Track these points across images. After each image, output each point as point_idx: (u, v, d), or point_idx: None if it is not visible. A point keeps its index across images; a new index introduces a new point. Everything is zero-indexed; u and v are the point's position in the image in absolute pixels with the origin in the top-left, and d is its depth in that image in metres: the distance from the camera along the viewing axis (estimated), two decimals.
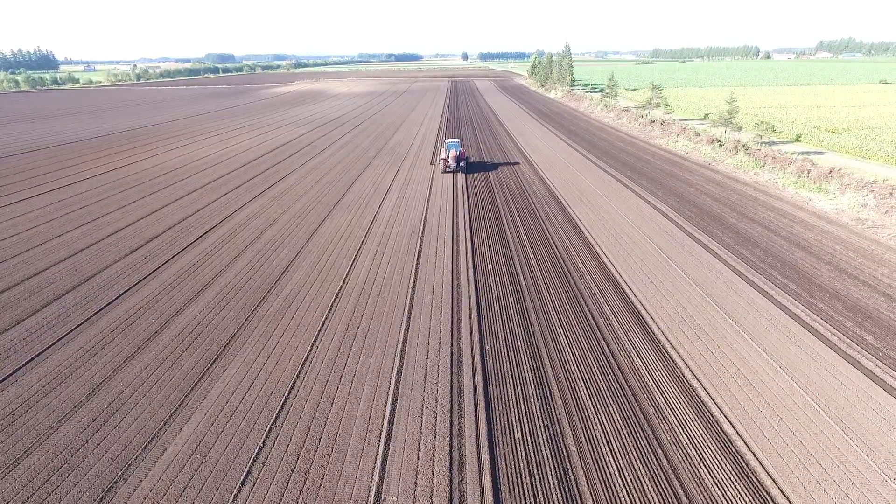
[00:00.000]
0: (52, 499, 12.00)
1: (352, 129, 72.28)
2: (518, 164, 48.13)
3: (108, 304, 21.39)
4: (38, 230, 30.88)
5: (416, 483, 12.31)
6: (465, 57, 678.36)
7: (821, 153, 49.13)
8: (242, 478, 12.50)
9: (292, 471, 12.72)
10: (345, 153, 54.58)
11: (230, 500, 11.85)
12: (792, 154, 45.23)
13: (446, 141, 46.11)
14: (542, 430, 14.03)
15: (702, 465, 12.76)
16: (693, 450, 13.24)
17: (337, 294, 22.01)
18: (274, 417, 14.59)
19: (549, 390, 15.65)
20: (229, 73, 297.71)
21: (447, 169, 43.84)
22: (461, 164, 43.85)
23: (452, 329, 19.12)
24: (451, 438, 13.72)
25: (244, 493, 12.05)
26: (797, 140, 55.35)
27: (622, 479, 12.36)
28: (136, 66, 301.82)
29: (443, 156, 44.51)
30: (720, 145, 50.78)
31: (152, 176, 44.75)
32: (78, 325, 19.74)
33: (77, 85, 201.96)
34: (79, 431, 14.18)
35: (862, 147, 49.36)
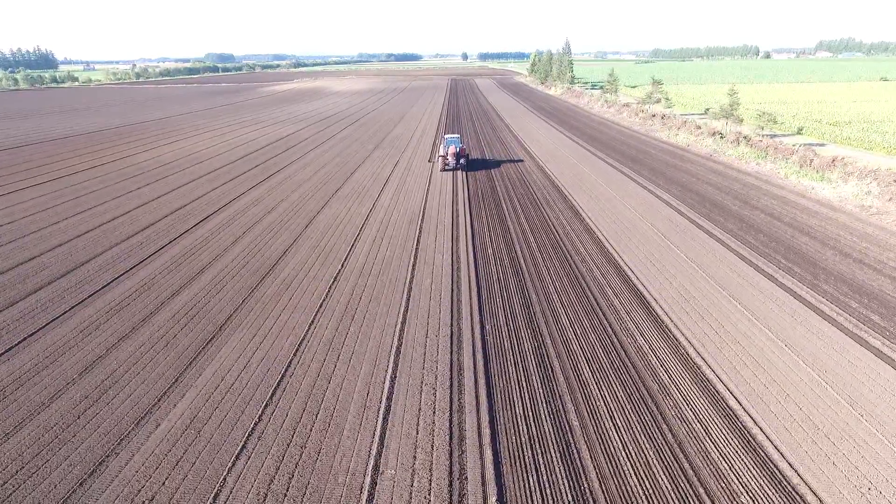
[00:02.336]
0: (42, 472, 11.70)
1: (351, 124, 72.00)
2: (518, 155, 47.83)
3: (103, 287, 21.09)
4: (34, 218, 30.57)
5: (415, 457, 12.01)
6: (464, 57, 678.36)
7: (823, 145, 48.85)
8: (237, 451, 12.19)
9: (288, 445, 12.41)
10: (343, 146, 54.29)
11: (224, 473, 11.55)
12: (794, 145, 44.94)
13: (445, 136, 43.57)
14: (544, 405, 13.73)
15: (707, 439, 12.47)
16: (698, 424, 12.94)
17: (335, 277, 21.72)
18: (270, 394, 14.29)
19: (551, 368, 15.35)
20: (229, 73, 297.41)
21: (446, 167, 41.06)
22: (461, 161, 41.05)
23: (452, 310, 18.82)
24: (450, 414, 13.42)
25: (239, 466, 11.75)
26: (799, 133, 55.05)
27: (626, 453, 12.06)
28: (135, 65, 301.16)
29: (441, 152, 41.88)
30: (721, 137, 50.49)
31: (148, 168, 44.43)
32: (72, 307, 19.43)
33: (76, 83, 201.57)
34: (70, 408, 13.87)
35: (864, 139, 49.07)
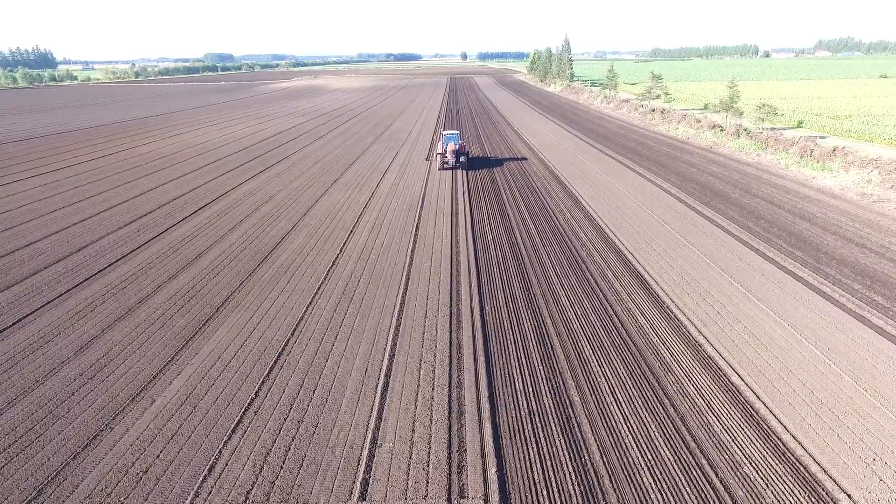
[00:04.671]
0: (35, 446, 11.53)
1: (350, 119, 71.84)
2: (518, 148, 47.68)
3: (99, 272, 20.91)
4: (31, 207, 30.39)
5: (413, 430, 11.84)
6: (464, 56, 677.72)
7: (823, 137, 48.69)
8: (233, 425, 12.03)
9: (285, 419, 12.25)
10: (343, 139, 54.14)
11: (220, 446, 11.38)
12: (794, 137, 44.77)
13: (444, 133, 40.57)
14: (545, 382, 13.57)
15: (710, 412, 12.31)
16: (701, 399, 12.78)
17: (334, 261, 21.56)
18: (267, 371, 14.12)
19: (551, 346, 15.19)
20: (228, 72, 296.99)
21: (445, 165, 38.17)
22: (461, 159, 38.13)
23: (451, 292, 18.66)
24: (449, 389, 13.26)
25: (235, 440, 11.58)
26: (799, 126, 54.92)
27: (628, 426, 11.90)
28: (134, 64, 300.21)
29: (440, 150, 39.07)
30: (721, 130, 50.37)
31: (148, 160, 44.24)
32: (68, 290, 19.25)
33: (75, 82, 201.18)
34: (65, 385, 13.70)
35: (864, 131, 48.90)
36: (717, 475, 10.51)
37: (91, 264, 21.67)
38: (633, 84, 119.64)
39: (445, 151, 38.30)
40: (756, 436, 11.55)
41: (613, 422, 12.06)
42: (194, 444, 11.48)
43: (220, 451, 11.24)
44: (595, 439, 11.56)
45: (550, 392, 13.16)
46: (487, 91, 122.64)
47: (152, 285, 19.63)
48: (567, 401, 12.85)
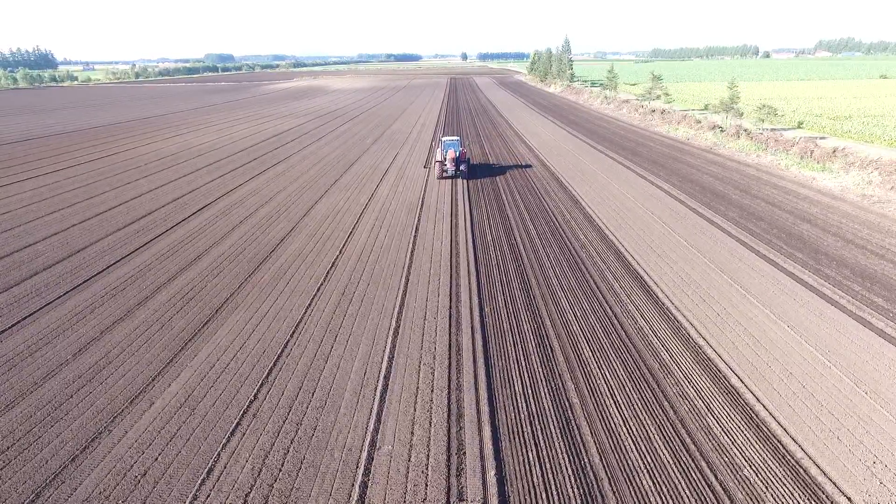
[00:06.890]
0: (34, 448, 11.51)
1: (350, 120, 71.83)
2: (518, 148, 47.66)
3: (98, 273, 20.89)
4: (31, 208, 30.37)
5: (412, 433, 11.82)
6: (464, 57, 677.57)
7: (823, 138, 48.63)
8: (232, 428, 12.01)
9: (284, 422, 12.23)
10: (343, 140, 54.13)
11: (219, 449, 11.36)
12: (794, 138, 44.74)
13: (443, 139, 37.87)
14: (544, 384, 13.54)
15: (710, 415, 12.28)
16: (700, 401, 12.75)
17: (333, 263, 21.54)
18: (266, 373, 14.10)
19: (551, 348, 15.16)
20: (228, 72, 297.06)
21: (444, 174, 35.68)
22: (461, 167, 35.69)
23: (451, 294, 18.63)
24: (449, 392, 13.23)
25: (233, 443, 11.56)
26: (799, 126, 54.88)
27: (627, 428, 11.87)
28: (135, 65, 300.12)
29: (438, 157, 36.86)
30: (721, 131, 50.33)
31: (148, 161, 44.23)
32: (67, 292, 19.24)
33: (76, 82, 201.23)
34: (63, 387, 13.69)
35: (864, 132, 48.87)
36: (716, 478, 10.49)
37: (90, 266, 21.65)
38: (634, 84, 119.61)
39: (444, 159, 36.23)
40: (756, 438, 11.52)
41: (613, 424, 12.03)
42: (193, 447, 11.47)
43: (218, 454, 11.23)
44: (594, 442, 11.53)
45: (550, 394, 13.14)
46: (488, 91, 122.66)
47: (151, 287, 19.61)
48: (566, 403, 12.82)
